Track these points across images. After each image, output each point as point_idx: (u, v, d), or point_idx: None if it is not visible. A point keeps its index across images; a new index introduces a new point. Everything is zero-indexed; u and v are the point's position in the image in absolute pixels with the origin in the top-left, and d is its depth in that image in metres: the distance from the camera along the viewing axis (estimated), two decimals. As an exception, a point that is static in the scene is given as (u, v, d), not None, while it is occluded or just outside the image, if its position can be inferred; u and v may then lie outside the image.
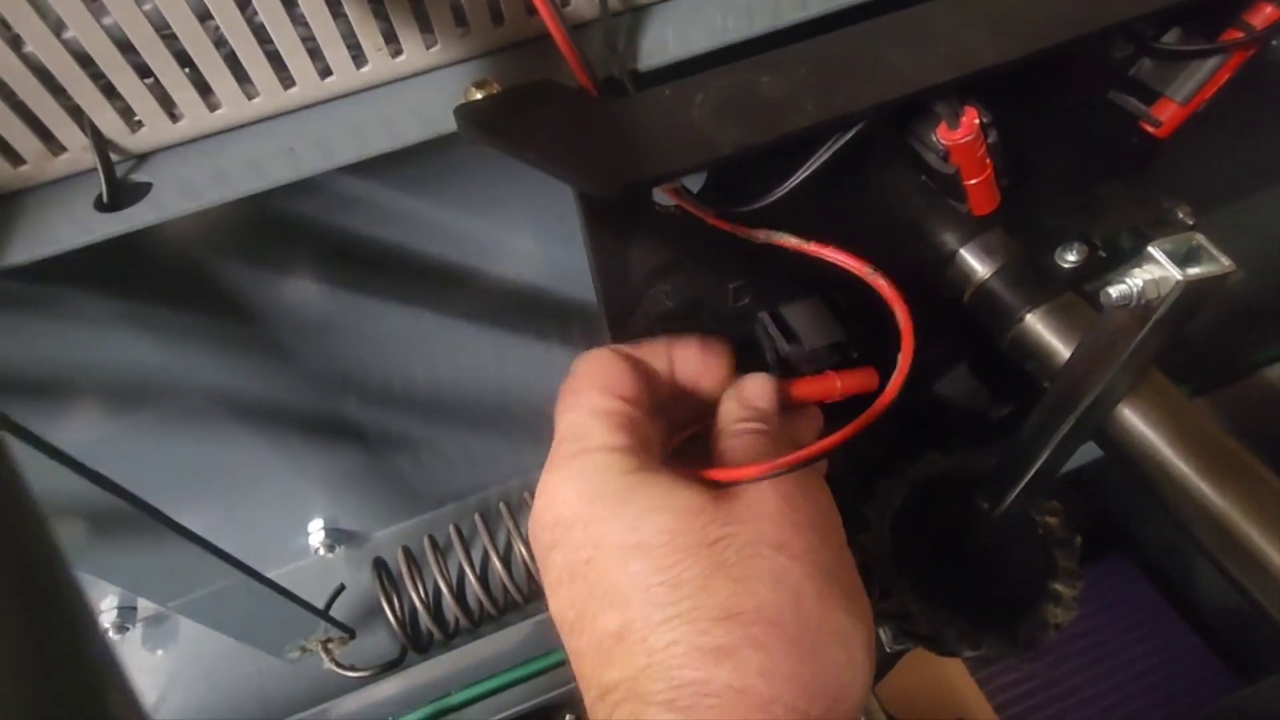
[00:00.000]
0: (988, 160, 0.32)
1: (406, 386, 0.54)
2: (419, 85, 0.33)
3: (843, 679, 0.23)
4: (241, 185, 0.30)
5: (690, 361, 0.35)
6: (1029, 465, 0.35)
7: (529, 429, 0.60)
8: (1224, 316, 0.71)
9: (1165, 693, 1.04)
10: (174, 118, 0.31)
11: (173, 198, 0.30)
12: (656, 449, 0.30)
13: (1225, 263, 0.23)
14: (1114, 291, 0.24)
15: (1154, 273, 0.23)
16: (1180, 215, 0.64)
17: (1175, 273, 0.23)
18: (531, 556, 0.55)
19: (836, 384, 0.38)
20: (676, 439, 0.34)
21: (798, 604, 0.23)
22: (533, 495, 0.45)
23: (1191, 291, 0.23)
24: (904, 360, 0.31)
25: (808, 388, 0.38)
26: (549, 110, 0.29)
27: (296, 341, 0.48)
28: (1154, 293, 0.24)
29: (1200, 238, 0.23)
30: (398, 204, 0.42)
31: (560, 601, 0.26)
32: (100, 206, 0.30)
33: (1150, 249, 0.23)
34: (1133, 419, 0.34)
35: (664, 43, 0.34)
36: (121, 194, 0.30)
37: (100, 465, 0.35)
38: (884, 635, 0.48)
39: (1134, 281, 0.24)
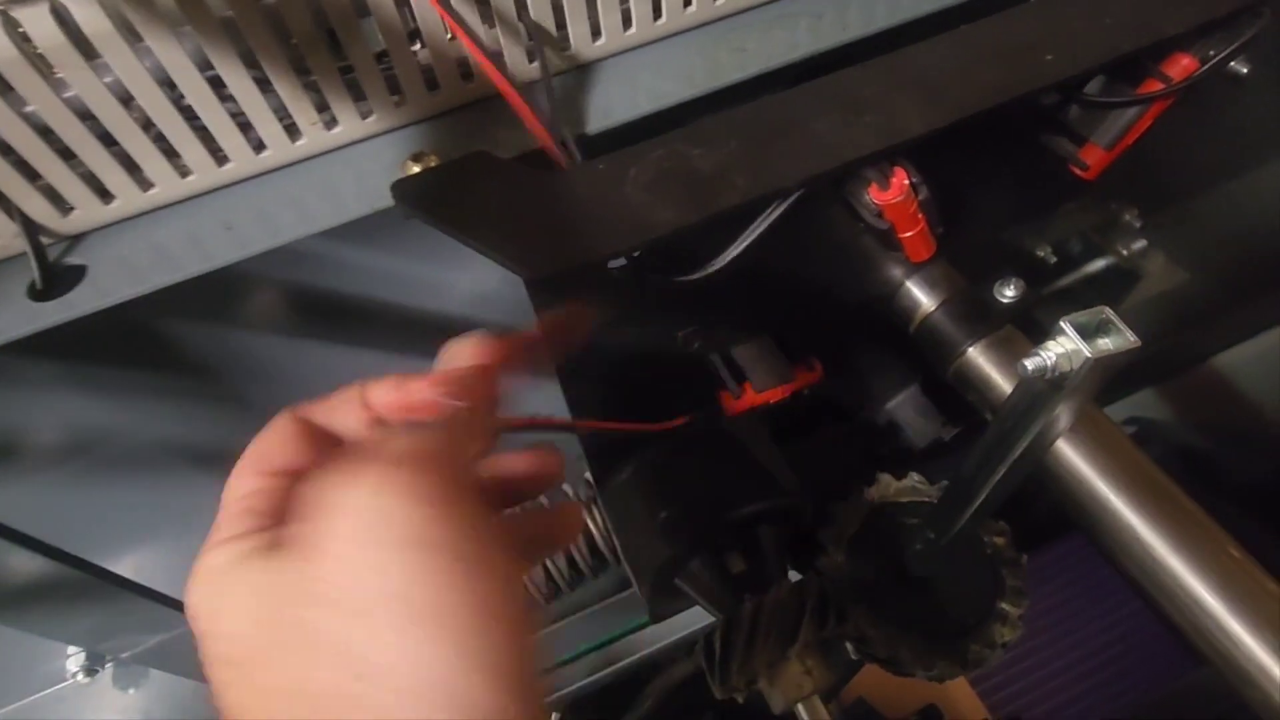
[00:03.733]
0: (920, 215, 0.33)
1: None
2: (358, 154, 0.33)
3: None
4: (187, 266, 0.30)
5: (387, 395, 0.25)
6: (971, 501, 0.36)
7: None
8: (1172, 316, 0.73)
9: (1127, 668, 1.09)
10: (105, 198, 0.31)
11: (113, 280, 0.30)
12: None
13: (1131, 338, 0.24)
14: (1029, 364, 0.25)
15: (1066, 346, 0.24)
16: (1128, 218, 0.65)
17: (1085, 348, 0.24)
18: None
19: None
20: None
21: None
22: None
23: (1101, 365, 0.24)
24: None
25: None
26: (485, 186, 0.29)
27: (247, 386, 0.47)
28: (1066, 365, 0.25)
29: (1109, 312, 0.24)
30: (347, 256, 0.42)
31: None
32: (34, 294, 0.29)
33: (1062, 323, 0.24)
34: (1069, 458, 0.36)
35: (607, 106, 0.34)
36: (55, 279, 0.30)
37: (51, 522, 0.35)
38: (849, 646, 0.50)
39: (1047, 355, 0.24)
